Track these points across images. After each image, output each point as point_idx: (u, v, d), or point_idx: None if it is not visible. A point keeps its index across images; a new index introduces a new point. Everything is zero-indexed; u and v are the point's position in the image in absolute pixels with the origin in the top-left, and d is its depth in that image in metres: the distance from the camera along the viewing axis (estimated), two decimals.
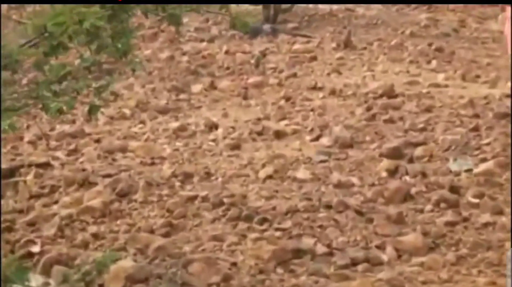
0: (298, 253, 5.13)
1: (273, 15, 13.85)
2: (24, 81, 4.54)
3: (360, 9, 15.75)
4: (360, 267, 5.04)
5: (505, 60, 10.06)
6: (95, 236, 5.46)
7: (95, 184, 6.45)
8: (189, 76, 10.42)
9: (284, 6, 14.42)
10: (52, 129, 8.34)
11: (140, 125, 8.35)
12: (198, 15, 14.39)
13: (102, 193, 6.24)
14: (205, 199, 6.02)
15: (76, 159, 7.41)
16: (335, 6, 15.90)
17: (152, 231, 5.50)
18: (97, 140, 7.76)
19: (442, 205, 5.84)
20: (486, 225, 5.59)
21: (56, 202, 6.29)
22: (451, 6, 15.94)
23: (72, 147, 7.46)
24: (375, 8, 15.80)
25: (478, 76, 9.96)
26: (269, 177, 6.61)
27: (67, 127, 8.27)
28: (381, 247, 5.25)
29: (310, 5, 15.92)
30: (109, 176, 6.63)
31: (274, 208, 5.86)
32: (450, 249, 5.28)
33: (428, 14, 14.79)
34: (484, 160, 6.82)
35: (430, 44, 11.75)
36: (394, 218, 5.58)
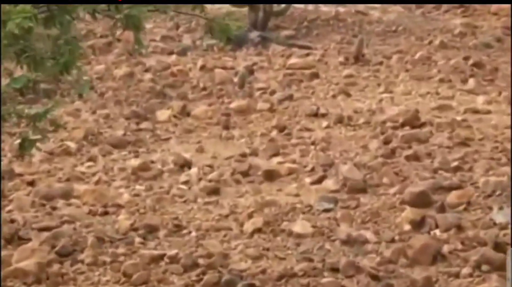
0: None
1: (262, 20, 13.84)
2: None
3: (374, 12, 15.84)
4: None
5: None
6: None
7: (28, 239, 6.26)
8: (153, 99, 10.37)
9: (277, 7, 14.39)
10: None
11: (89, 163, 8.20)
12: (165, 18, 14.47)
13: (37, 252, 6.01)
14: (174, 259, 5.91)
15: (2, 207, 7.13)
16: (342, 8, 15.91)
17: None
18: (31, 183, 7.59)
19: (484, 267, 5.73)
20: None
21: None
22: (494, 7, 15.92)
23: None
24: (395, 10, 15.91)
25: None
26: (258, 230, 6.51)
27: None
28: None
29: (310, 7, 15.95)
30: (47, 229, 6.45)
31: (263, 271, 5.79)
32: None
33: (463, 19, 14.88)
34: None
35: (466, 58, 11.78)
36: (420, 285, 5.54)
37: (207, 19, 5.41)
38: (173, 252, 6.11)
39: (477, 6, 16.33)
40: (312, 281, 5.62)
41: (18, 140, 5.60)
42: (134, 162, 8.25)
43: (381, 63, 11.99)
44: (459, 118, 9.31)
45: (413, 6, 16.56)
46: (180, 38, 13.75)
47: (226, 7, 13.30)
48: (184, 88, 11.01)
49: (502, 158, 8.11)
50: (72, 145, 8.79)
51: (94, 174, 8.14)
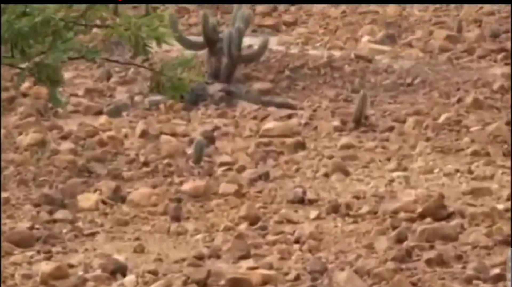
0: None
1: (227, 68, 13.83)
2: None
3: (382, 57, 16.08)
4: None
5: None
6: None
7: None
8: (74, 179, 10.14)
9: (247, 52, 14.40)
10: None
11: None
12: (92, 64, 14.32)
13: None
14: None
15: None
16: (337, 52, 16.21)
17: None
18: None
19: None
20: None
21: None
22: None
23: None
24: (410, 55, 16.07)
25: None
26: None
27: None
28: None
29: (294, 51, 16.22)
30: None
31: None
32: None
33: (505, 68, 15.04)
34: None
35: (509, 123, 11.82)
36: None
37: (152, 70, 5.36)
38: None
39: None
40: None
41: None
42: (46, 266, 7.84)
43: (391, 129, 11.95)
44: (500, 206, 9.12)
45: (435, 49, 16.67)
46: (113, 92, 13.53)
47: (177, 49, 13.48)
48: (118, 163, 10.80)
49: None
50: None
51: None
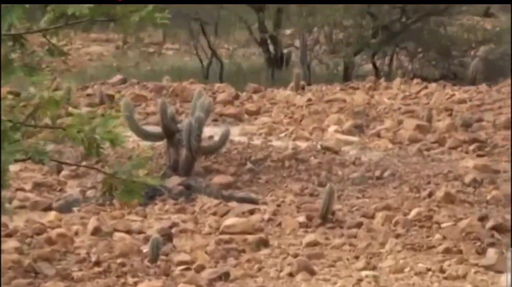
0: None
1: (186, 160, 13.82)
2: None
3: (350, 149, 16.12)
4: None
5: None
6: None
7: None
8: (19, 279, 9.86)
9: (207, 143, 14.43)
10: None
11: None
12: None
13: None
14: None
15: None
16: (303, 143, 16.28)
17: None
18: None
19: None
20: None
21: None
22: None
23: None
24: (379, 147, 16.20)
25: None
26: None
27: None
28: None
29: (257, 142, 16.35)
30: None
31: None
32: None
33: (478, 160, 15.05)
34: None
35: (482, 219, 11.62)
36: None
37: (105, 174, 5.30)
38: None
39: (499, 141, 16.57)
40: None
41: None
42: None
43: (359, 225, 11.78)
44: None
45: (405, 140, 16.78)
46: (63, 186, 13.43)
47: (133, 140, 13.47)
48: (67, 263, 10.49)
49: None
50: None
51: None
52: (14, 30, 5.71)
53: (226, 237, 11.32)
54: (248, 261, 10.63)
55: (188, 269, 10.38)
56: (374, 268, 10.45)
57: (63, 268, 10.24)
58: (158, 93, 19.84)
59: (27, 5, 5.67)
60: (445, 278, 9.97)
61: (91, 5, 5.73)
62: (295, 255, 10.64)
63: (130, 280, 9.94)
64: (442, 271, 10.18)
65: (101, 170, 6.13)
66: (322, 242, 11.16)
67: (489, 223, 11.44)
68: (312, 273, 10.22)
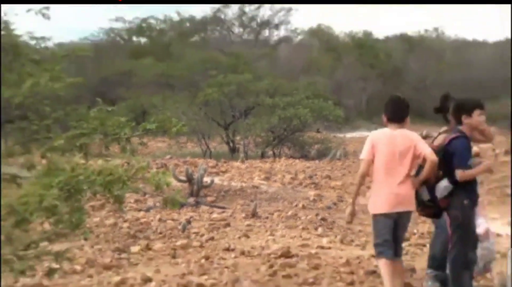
0: None
1: (196, 190, 13.34)
2: None
3: (264, 186, 15.68)
4: None
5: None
6: None
7: None
8: (129, 240, 9.58)
9: (205, 183, 13.92)
10: (16, 281, 7.03)
11: (88, 279, 7.51)
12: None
13: None
14: None
15: None
16: (244, 184, 15.89)
17: None
18: None
19: None
20: None
21: None
22: (332, 183, 16.31)
23: None
24: (275, 186, 16.06)
25: (352, 241, 9.56)
26: None
27: (28, 280, 6.92)
28: None
29: (225, 183, 15.89)
30: None
31: None
32: None
33: (315, 191, 14.90)
34: None
35: (317, 215, 11.54)
36: None
37: (163, 197, 5.12)
38: None
39: (323, 182, 16.58)
40: None
41: (47, 263, 4.91)
42: (116, 278, 7.36)
43: (267, 217, 11.46)
44: (313, 251, 8.61)
45: (286, 182, 16.66)
46: (146, 201, 12.85)
47: (174, 185, 12.90)
48: (148, 233, 10.03)
49: (337, 277, 7.28)
50: (78, 267, 7.83)
51: (91, 286, 7.14)
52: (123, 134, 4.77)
53: (212, 222, 10.83)
54: (222, 232, 10.10)
55: (197, 235, 9.82)
56: (273, 235, 9.81)
57: (145, 236, 9.66)
58: (185, 164, 19.20)
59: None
60: (303, 240, 9.25)
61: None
62: (241, 230, 10.22)
63: (173, 240, 9.48)
64: (300, 236, 9.51)
65: (160, 194, 5.71)
66: (252, 224, 10.76)
67: (319, 217, 11.08)
68: (248, 237, 9.73)
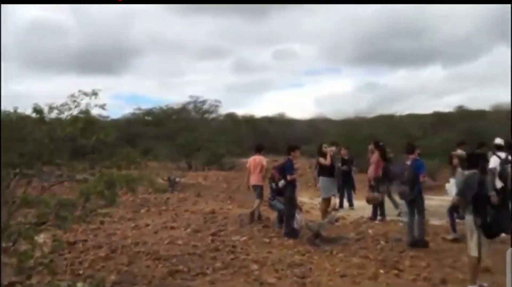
0: None
1: (172, 184, 16.13)
2: None
3: (203, 182, 18.33)
4: None
5: None
6: None
7: None
8: (140, 206, 12.72)
9: (177, 181, 16.86)
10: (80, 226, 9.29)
11: (120, 224, 9.32)
12: None
13: None
14: None
15: None
16: (195, 181, 18.95)
17: None
18: None
19: None
20: None
21: None
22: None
23: None
24: (209, 182, 18.87)
25: (243, 205, 13.12)
26: None
27: (91, 226, 9.31)
28: None
29: (187, 181, 19.13)
30: None
31: None
32: None
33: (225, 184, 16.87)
34: None
35: (227, 194, 15.02)
36: None
37: (155, 187, 6.93)
38: None
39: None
40: None
41: None
42: (133, 224, 9.74)
43: (205, 196, 15.29)
44: (224, 210, 12.17)
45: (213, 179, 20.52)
46: (147, 191, 15.93)
47: (162, 182, 16.39)
48: (149, 203, 13.42)
49: (234, 222, 9.74)
50: (115, 219, 10.30)
51: (123, 228, 9.70)
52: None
53: (180, 199, 14.95)
54: (184, 202, 14.06)
55: (172, 204, 13.43)
56: (206, 203, 13.81)
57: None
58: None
59: None
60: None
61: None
62: (192, 201, 14.46)
63: (160, 206, 12.91)
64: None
65: (152, 186, 7.87)
66: (197, 198, 15.17)
67: None
68: (195, 205, 13.51)
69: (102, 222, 10.52)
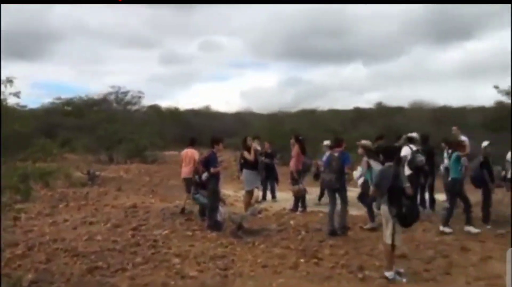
0: None
1: (92, 178, 16.14)
2: None
3: (124, 175, 18.03)
4: None
5: None
6: None
7: None
8: (58, 201, 12.57)
9: (96, 174, 16.84)
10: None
11: (38, 220, 9.14)
12: None
13: None
14: None
15: None
16: (115, 175, 18.79)
17: None
18: None
19: None
20: None
21: None
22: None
23: None
24: (131, 175, 18.53)
25: (167, 198, 13.20)
26: None
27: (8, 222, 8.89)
28: None
29: (107, 174, 18.91)
30: None
31: None
32: None
33: (148, 177, 16.77)
34: None
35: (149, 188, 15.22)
36: None
37: (72, 181, 6.63)
38: None
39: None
40: None
41: None
42: (50, 220, 9.57)
43: (126, 190, 15.18)
44: (146, 204, 12.01)
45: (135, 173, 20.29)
46: (66, 184, 15.39)
47: (80, 175, 16.23)
48: (68, 198, 13.76)
49: (157, 216, 9.82)
50: (33, 215, 10.20)
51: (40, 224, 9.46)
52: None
53: (100, 193, 14.69)
54: (104, 197, 13.85)
55: (92, 198, 13.40)
56: (128, 197, 13.82)
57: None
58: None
59: None
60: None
61: None
62: (113, 195, 14.23)
63: (79, 201, 12.89)
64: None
65: (69, 180, 7.89)
66: (118, 193, 14.76)
67: None
68: (116, 199, 13.40)
69: (17, 218, 10.23)
